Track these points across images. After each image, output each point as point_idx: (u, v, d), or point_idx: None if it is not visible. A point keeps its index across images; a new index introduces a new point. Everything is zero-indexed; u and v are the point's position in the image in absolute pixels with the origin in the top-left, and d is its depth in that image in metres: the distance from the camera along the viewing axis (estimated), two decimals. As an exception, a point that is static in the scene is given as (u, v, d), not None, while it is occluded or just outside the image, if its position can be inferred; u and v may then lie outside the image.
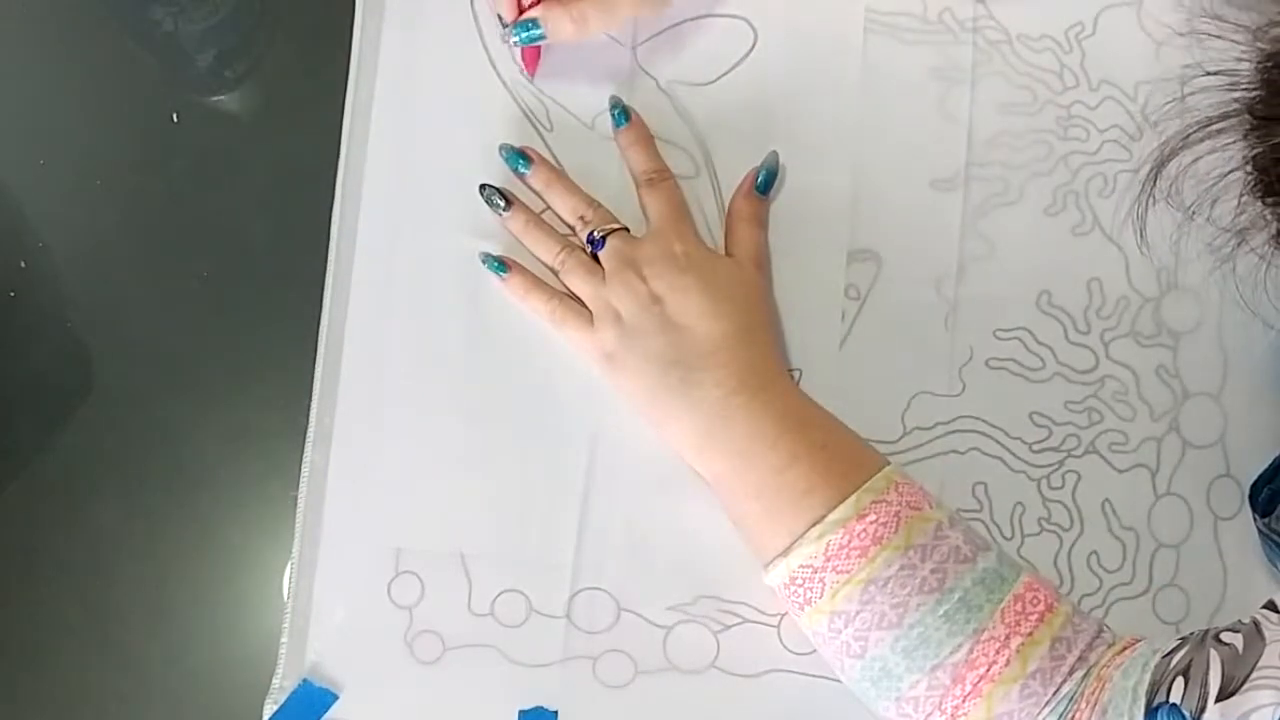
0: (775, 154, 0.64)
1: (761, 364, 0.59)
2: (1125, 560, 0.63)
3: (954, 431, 0.64)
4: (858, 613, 0.55)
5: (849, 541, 0.55)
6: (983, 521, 0.63)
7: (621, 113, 0.64)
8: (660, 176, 0.63)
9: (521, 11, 0.61)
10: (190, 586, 0.63)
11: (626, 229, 0.63)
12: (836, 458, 0.58)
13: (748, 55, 0.66)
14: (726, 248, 0.63)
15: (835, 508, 0.56)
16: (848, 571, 0.55)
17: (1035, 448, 0.64)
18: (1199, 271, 0.65)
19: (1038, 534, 0.63)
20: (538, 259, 0.64)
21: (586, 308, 0.62)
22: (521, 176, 0.64)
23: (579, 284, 0.62)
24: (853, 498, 0.56)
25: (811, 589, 0.56)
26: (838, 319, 0.64)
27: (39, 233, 0.66)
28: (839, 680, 0.59)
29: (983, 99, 0.66)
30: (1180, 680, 0.49)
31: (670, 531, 0.62)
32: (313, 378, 0.63)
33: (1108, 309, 0.65)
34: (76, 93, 0.67)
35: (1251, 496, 0.62)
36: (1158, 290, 0.65)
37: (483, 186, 0.63)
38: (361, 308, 0.64)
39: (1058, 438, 0.64)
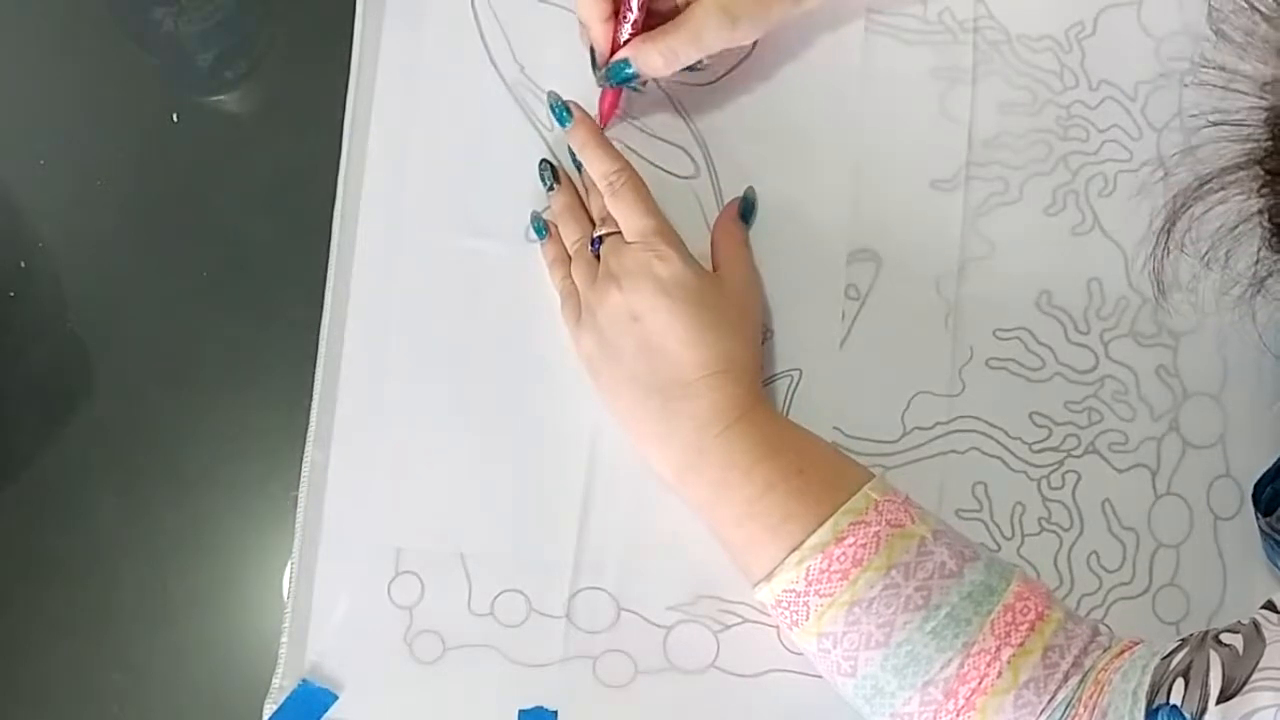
0: (753, 189, 0.64)
1: (740, 394, 0.58)
2: (1125, 560, 0.63)
3: (954, 431, 0.64)
4: (844, 634, 0.54)
5: (829, 566, 0.55)
6: (983, 521, 0.63)
7: (564, 110, 0.62)
8: (620, 178, 0.61)
9: (614, 51, 0.60)
10: (190, 586, 0.63)
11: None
12: (813, 482, 0.57)
13: (748, 55, 0.66)
14: (715, 265, 0.63)
15: (813, 533, 0.55)
16: (830, 595, 0.55)
17: (1035, 448, 0.64)
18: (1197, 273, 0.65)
19: (1038, 534, 0.63)
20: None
21: None
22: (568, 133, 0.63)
23: (577, 278, 0.62)
24: (830, 521, 0.55)
25: (797, 611, 0.55)
26: (838, 319, 0.64)
27: (39, 233, 0.66)
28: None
29: (983, 99, 0.66)
30: (1180, 682, 0.49)
31: (670, 531, 0.62)
32: (313, 378, 0.63)
33: (1108, 309, 0.65)
34: (76, 93, 0.67)
35: (1255, 496, 0.62)
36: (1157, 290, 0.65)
37: (542, 161, 0.64)
38: (361, 308, 0.64)
39: (1058, 438, 0.64)
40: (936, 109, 0.66)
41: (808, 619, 0.55)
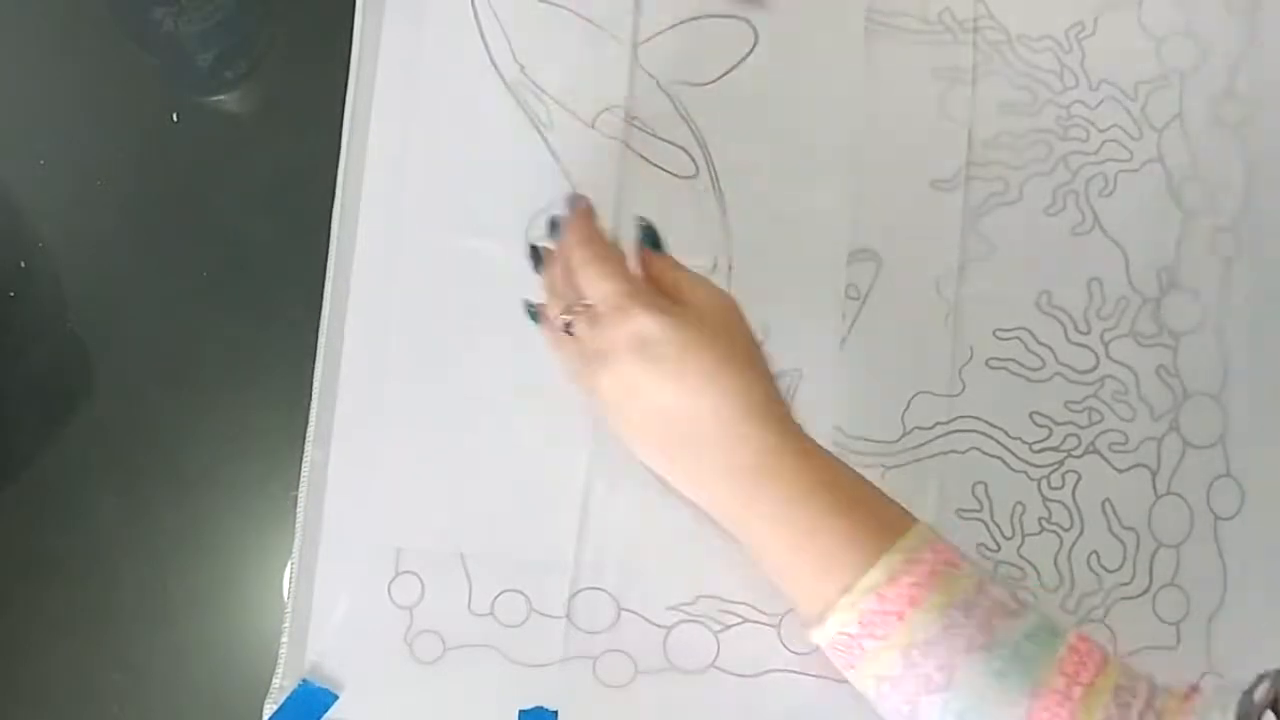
0: (642, 219, 0.59)
1: (768, 436, 0.53)
2: (1125, 560, 0.63)
3: (954, 431, 0.64)
4: (901, 678, 0.50)
5: (883, 607, 0.50)
6: (983, 521, 0.63)
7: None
8: (576, 252, 0.56)
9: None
10: (190, 586, 0.63)
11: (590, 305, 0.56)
12: (861, 523, 0.52)
13: (748, 55, 0.66)
14: (673, 296, 0.56)
15: (865, 574, 0.51)
16: (885, 638, 0.50)
17: (1035, 447, 0.64)
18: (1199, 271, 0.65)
19: (1038, 534, 0.63)
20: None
21: None
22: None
23: (571, 362, 0.58)
24: (882, 561, 0.51)
25: (852, 654, 0.52)
26: (838, 319, 0.64)
27: (39, 233, 0.66)
28: (839, 680, 0.58)
29: (983, 99, 0.66)
30: (1270, 717, 0.46)
31: (670, 531, 0.62)
32: (313, 378, 0.63)
33: (1108, 309, 0.65)
34: (76, 93, 0.67)
35: None
36: (1158, 290, 0.65)
37: (530, 246, 0.61)
38: (361, 307, 0.64)
39: (1058, 437, 0.64)
40: (936, 109, 0.66)
41: (863, 660, 0.51)
